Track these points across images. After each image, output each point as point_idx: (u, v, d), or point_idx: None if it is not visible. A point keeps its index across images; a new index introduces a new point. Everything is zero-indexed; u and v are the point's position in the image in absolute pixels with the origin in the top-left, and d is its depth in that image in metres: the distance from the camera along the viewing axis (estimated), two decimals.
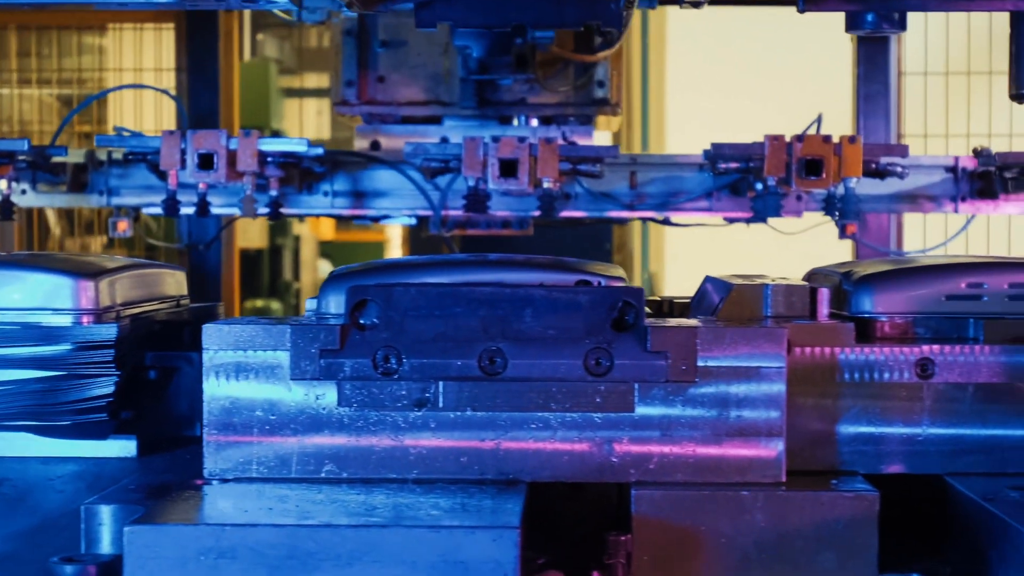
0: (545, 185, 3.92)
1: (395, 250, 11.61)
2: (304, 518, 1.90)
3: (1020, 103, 2.97)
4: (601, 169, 4.04)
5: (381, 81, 4.59)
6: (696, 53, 8.20)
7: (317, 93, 13.74)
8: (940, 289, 2.22)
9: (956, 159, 4.44)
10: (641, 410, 2.06)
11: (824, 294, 2.21)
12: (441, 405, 2.09)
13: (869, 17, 2.90)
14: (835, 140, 3.91)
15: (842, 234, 4.23)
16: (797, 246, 5.08)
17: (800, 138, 3.88)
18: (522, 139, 3.89)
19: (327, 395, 2.10)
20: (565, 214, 4.32)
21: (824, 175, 3.80)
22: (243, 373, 2.12)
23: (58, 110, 8.02)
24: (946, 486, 2.09)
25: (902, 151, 3.98)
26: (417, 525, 1.85)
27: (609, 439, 2.07)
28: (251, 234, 10.22)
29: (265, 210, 4.12)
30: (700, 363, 2.06)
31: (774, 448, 2.05)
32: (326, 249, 12.17)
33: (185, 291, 2.77)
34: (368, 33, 4.59)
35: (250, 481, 2.10)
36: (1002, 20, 5.70)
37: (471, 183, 3.95)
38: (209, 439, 2.12)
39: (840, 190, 3.96)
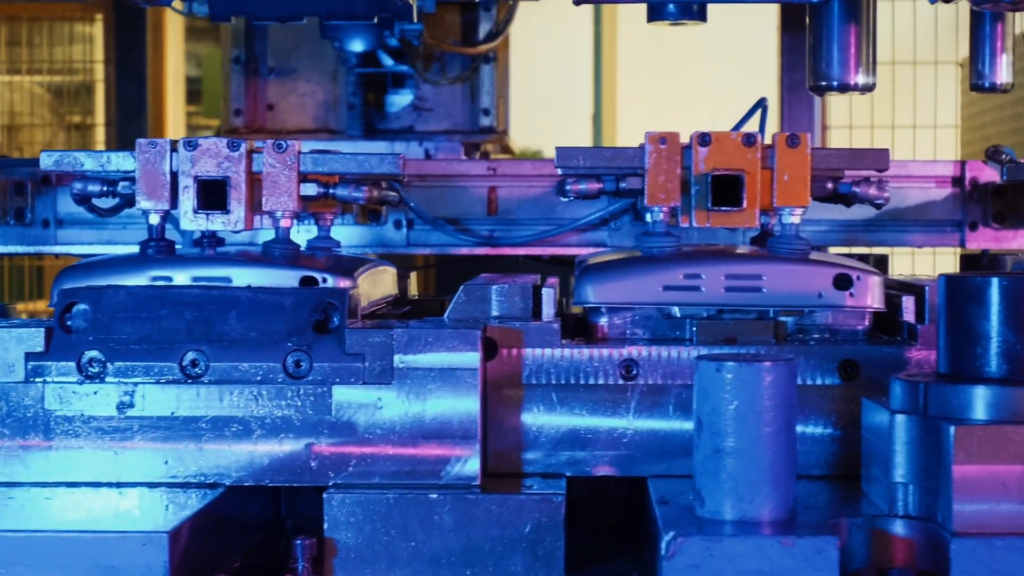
0: (281, 223, 2.37)
1: None
2: None
3: (819, 95, 2.90)
4: (376, 194, 2.51)
5: (271, 109, 4.53)
6: (649, 41, 8.14)
7: None
8: (658, 280, 2.17)
9: (961, 166, 2.99)
10: (339, 412, 2.04)
11: (548, 295, 2.17)
12: (144, 409, 2.07)
13: (671, 8, 2.83)
14: (765, 141, 2.31)
15: None
16: None
17: (705, 139, 2.27)
18: (235, 145, 2.32)
19: (35, 398, 2.09)
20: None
21: (745, 204, 2.24)
22: None
23: (48, 101, 8.03)
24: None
25: (879, 160, 2.38)
26: (71, 531, 1.84)
27: (308, 442, 2.05)
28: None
29: None
30: (398, 364, 2.04)
31: (469, 450, 2.02)
32: None
33: None
34: (257, 60, 4.53)
35: None
36: (926, 10, 5.63)
37: (153, 221, 2.38)
38: None
39: (775, 226, 2.31)
